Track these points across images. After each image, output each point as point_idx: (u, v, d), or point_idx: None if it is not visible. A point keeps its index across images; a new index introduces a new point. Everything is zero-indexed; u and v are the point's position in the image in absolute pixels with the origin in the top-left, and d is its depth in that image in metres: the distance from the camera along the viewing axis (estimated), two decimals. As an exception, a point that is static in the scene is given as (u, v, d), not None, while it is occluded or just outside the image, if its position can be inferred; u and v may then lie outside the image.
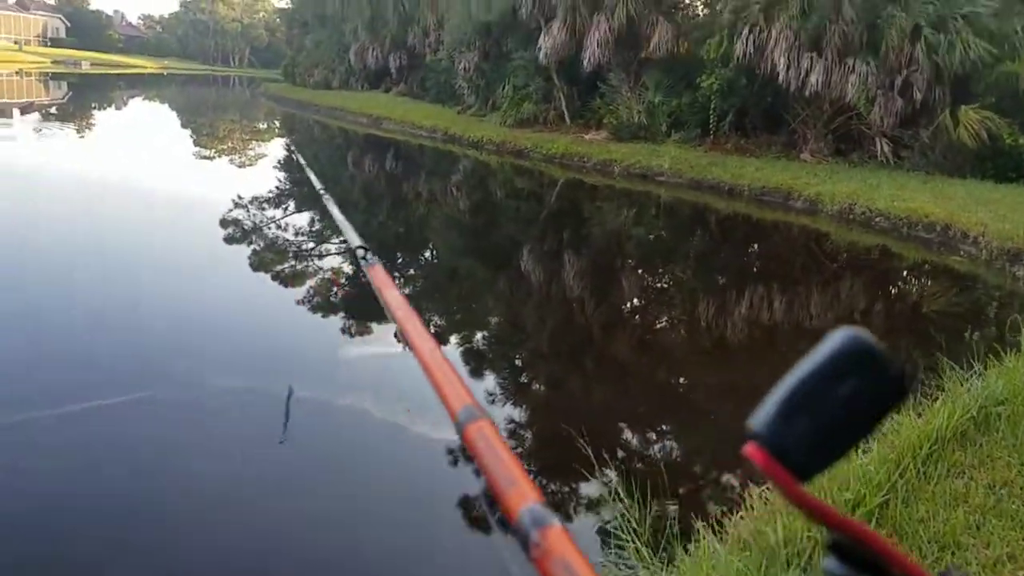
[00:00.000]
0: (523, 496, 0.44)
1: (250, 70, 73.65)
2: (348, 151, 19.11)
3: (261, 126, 25.28)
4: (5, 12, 65.67)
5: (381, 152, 18.44)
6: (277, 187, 12.11)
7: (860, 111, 12.74)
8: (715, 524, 2.61)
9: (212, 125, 23.37)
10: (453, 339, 5.67)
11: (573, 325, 6.38)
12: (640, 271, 8.64)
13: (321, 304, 6.13)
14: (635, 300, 7.50)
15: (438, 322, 6.14)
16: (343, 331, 5.67)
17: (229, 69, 75.47)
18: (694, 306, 6.99)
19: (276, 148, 18.83)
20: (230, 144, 18.29)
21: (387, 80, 29.73)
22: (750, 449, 0.36)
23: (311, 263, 7.52)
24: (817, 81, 12.61)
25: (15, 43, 62.76)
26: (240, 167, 14.61)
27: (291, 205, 10.68)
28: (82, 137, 17.04)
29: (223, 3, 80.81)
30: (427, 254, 9.25)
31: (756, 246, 10.38)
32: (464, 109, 21.27)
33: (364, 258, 1.13)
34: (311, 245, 8.38)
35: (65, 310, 5.29)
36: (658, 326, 6.63)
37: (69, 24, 74.44)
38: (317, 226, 9.57)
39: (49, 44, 68.21)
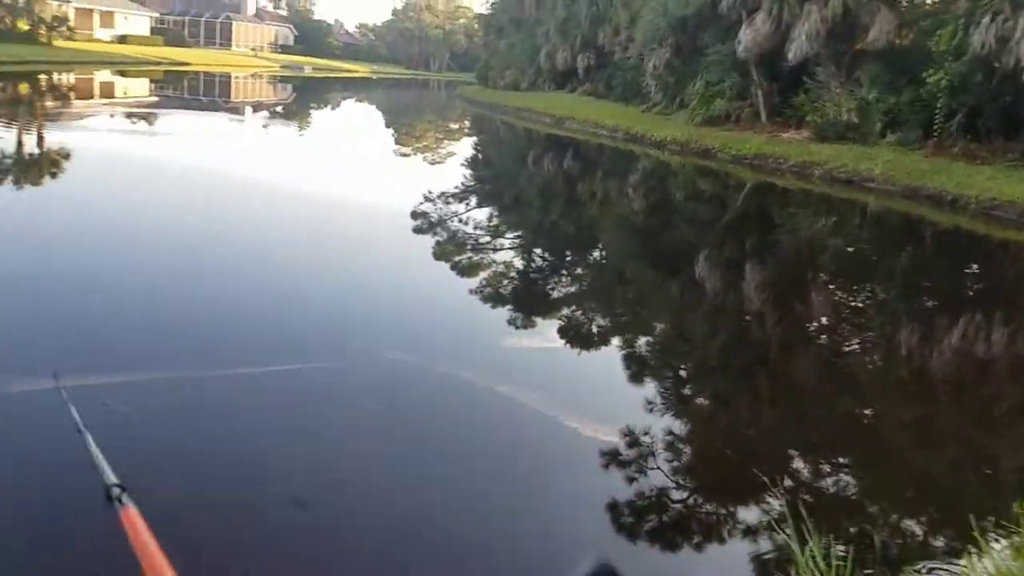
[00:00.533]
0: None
1: (448, 73, 77.68)
2: (529, 150, 19.56)
3: (453, 126, 26.60)
4: (245, 23, 74.44)
5: (560, 151, 18.67)
6: (463, 183, 12.69)
7: None
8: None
9: (411, 125, 24.98)
10: (615, 342, 5.63)
11: (749, 341, 5.92)
12: (834, 287, 7.85)
13: (491, 295, 6.37)
14: (825, 319, 6.68)
15: (600, 322, 6.14)
16: (509, 322, 5.83)
17: (429, 73, 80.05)
18: (895, 333, 6.16)
19: (465, 147, 19.76)
20: (424, 143, 19.44)
21: (573, 80, 30.04)
22: None
23: (486, 255, 7.83)
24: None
25: (252, 50, 71.08)
26: (431, 164, 15.49)
27: (472, 201, 11.17)
28: (300, 133, 18.96)
29: (429, 11, 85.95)
30: (595, 255, 9.25)
31: (979, 268, 9.08)
32: (649, 107, 20.98)
33: (119, 498, 1.03)
34: (487, 239, 8.71)
35: (273, 280, 5.94)
36: (849, 351, 5.86)
37: (297, 33, 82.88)
38: (494, 221, 9.97)
39: (279, 50, 76.33)
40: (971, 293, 8.01)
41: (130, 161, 11.13)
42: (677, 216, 11.57)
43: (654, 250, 9.15)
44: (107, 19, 57.57)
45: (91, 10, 55.89)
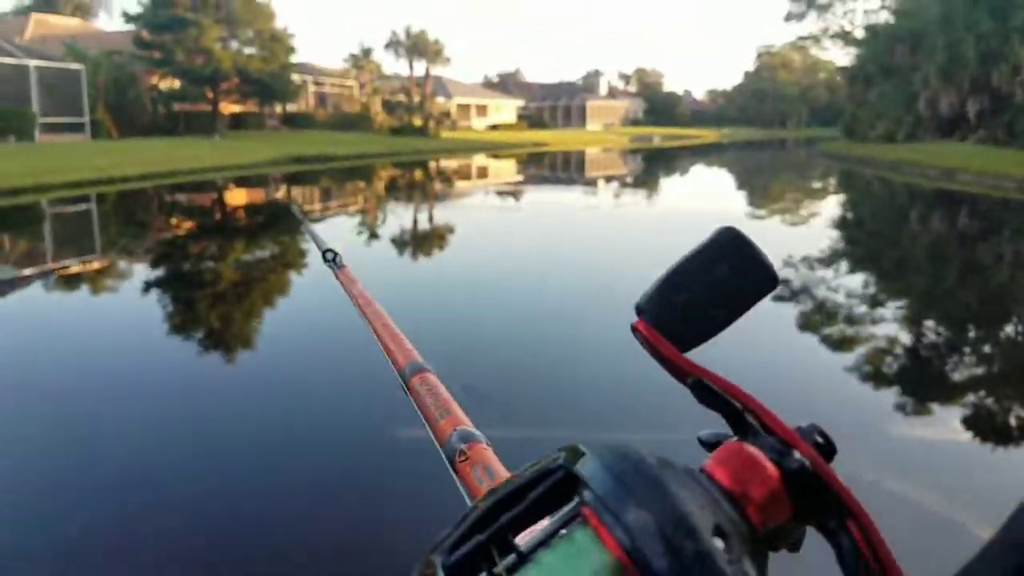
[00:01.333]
0: (455, 422, 0.52)
1: (807, 130, 73.80)
2: (911, 208, 17.14)
3: (816, 184, 24.73)
4: (598, 102, 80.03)
5: (952, 208, 15.98)
6: (831, 247, 11.44)
7: None
8: None
9: (765, 186, 23.85)
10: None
11: None
12: None
13: (871, 373, 5.36)
14: None
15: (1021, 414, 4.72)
16: (896, 407, 4.78)
17: (786, 131, 76.93)
18: None
19: (831, 207, 18.09)
20: (782, 204, 18.28)
21: (963, 127, 26.02)
22: (638, 324, 0.41)
23: (863, 328, 6.73)
24: None
25: (604, 126, 75.88)
26: (791, 225, 14.37)
27: (843, 266, 9.93)
28: (648, 201, 19.28)
29: (784, 69, 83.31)
30: (1009, 331, 7.39)
31: None
32: (1072, 154, 17.06)
33: (333, 261, 1.21)
34: (863, 309, 7.55)
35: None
36: None
37: (647, 105, 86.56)
38: (872, 289, 8.67)
39: (630, 124, 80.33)
40: None
41: (503, 234, 12.23)
42: None
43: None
44: (481, 111, 66.82)
45: (469, 104, 65.54)
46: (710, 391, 0.39)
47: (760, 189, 22.86)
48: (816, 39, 45.59)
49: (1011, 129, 22.93)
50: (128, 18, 34.71)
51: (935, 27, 28.61)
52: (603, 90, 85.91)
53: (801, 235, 12.99)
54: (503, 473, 0.43)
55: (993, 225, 13.98)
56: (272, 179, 23.59)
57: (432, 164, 30.25)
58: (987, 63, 25.32)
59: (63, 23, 46.31)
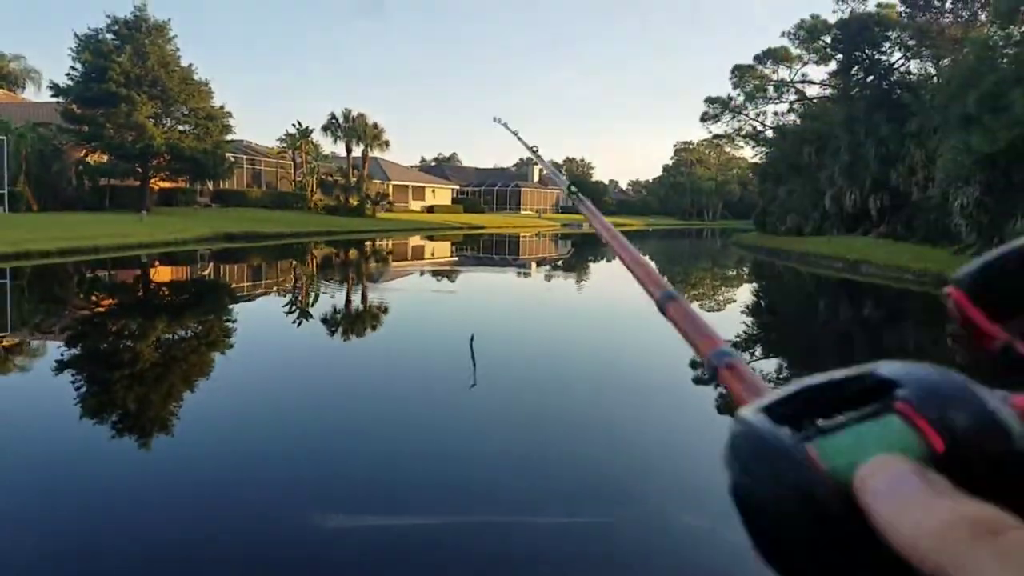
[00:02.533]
0: (712, 344, 0.55)
1: (722, 222, 77.65)
2: (820, 297, 18.24)
3: (730, 273, 26.00)
4: (531, 189, 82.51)
5: (858, 297, 17.10)
6: (746, 332, 12.05)
7: None
8: None
9: (684, 272, 24.94)
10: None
11: None
12: None
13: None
14: None
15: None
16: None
17: (703, 222, 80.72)
18: None
19: (744, 294, 19.04)
20: (700, 290, 19.14)
21: (865, 223, 28.08)
22: (951, 291, 0.43)
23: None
24: None
25: (536, 212, 78.02)
26: (708, 311, 15.05)
27: (758, 350, 10.47)
28: (579, 284, 19.88)
29: (700, 165, 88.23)
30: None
31: None
32: (961, 249, 18.62)
33: (576, 194, 1.29)
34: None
35: (567, 423, 5.92)
36: None
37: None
38: (786, 373, 9.16)
39: (560, 211, 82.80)
40: None
41: (439, 315, 12.37)
42: None
43: None
44: (418, 193, 67.87)
45: (406, 186, 66.47)
46: (1019, 357, 0.40)
47: (679, 274, 23.89)
48: (730, 138, 48.67)
49: (910, 224, 24.89)
50: (56, 91, 34.15)
51: (839, 130, 31.19)
52: (535, 177, 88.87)
53: (719, 320, 13.62)
54: (762, 385, 0.48)
55: (895, 315, 14.99)
56: (200, 256, 23.22)
57: (371, 244, 30.41)
58: (886, 164, 27.63)
59: (-13, 93, 45.22)
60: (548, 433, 5.97)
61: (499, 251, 33.41)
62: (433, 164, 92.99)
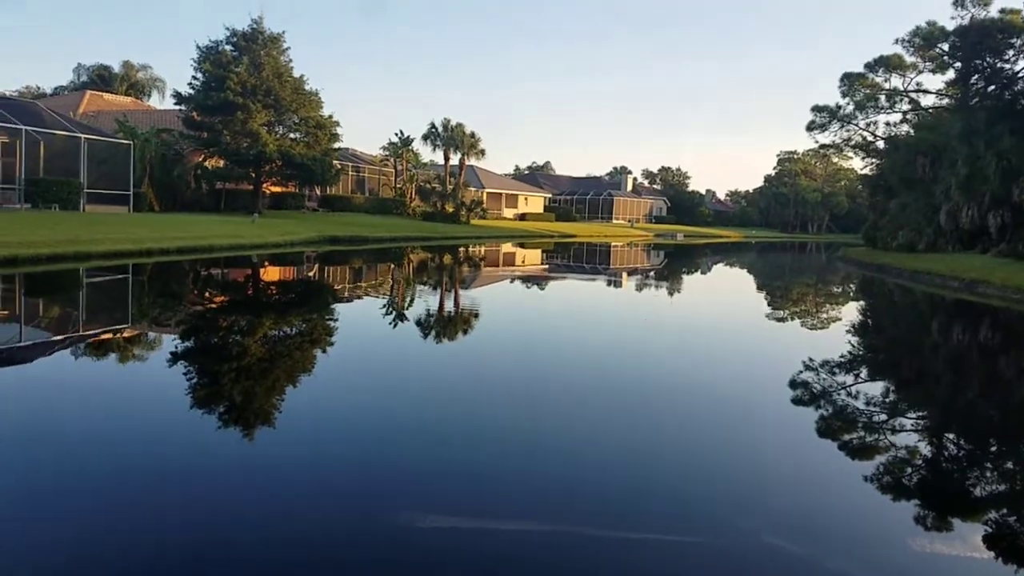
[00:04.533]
0: None
1: (828, 235, 74.45)
2: (932, 317, 17.20)
3: (836, 289, 24.89)
4: (624, 198, 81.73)
5: (974, 319, 16.04)
6: (850, 353, 11.52)
7: None
8: None
9: (786, 288, 24.07)
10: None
11: None
12: None
13: (890, 484, 5.40)
14: None
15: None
16: (916, 520, 4.81)
17: (807, 235, 77.60)
18: None
19: (851, 312, 18.20)
20: (802, 307, 18.42)
21: (984, 240, 26.28)
22: None
23: (882, 436, 6.77)
24: None
25: (628, 222, 77.20)
26: (811, 329, 14.48)
27: (863, 372, 9.99)
28: (671, 296, 19.53)
29: (805, 176, 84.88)
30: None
31: None
32: (1093, 272, 17.16)
33: None
34: (883, 417, 7.59)
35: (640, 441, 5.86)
36: None
37: (670, 204, 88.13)
38: (892, 397, 8.70)
39: (654, 220, 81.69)
40: None
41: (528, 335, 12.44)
42: None
43: None
44: (511, 201, 68.57)
45: (500, 194, 67.35)
46: None
47: (779, 290, 23.06)
48: (838, 148, 46.69)
49: (1035, 244, 23.11)
50: (179, 99, 36.67)
51: (956, 142, 29.35)
52: (628, 186, 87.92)
53: (821, 340, 13.07)
54: None
55: (1015, 339, 13.99)
56: (306, 258, 24.30)
57: (462, 250, 30.96)
58: (1008, 178, 25.78)
59: (117, 100, 48.99)
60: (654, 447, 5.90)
61: (590, 260, 33.26)
62: (527, 172, 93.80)
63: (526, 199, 70.97)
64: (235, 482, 4.67)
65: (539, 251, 36.52)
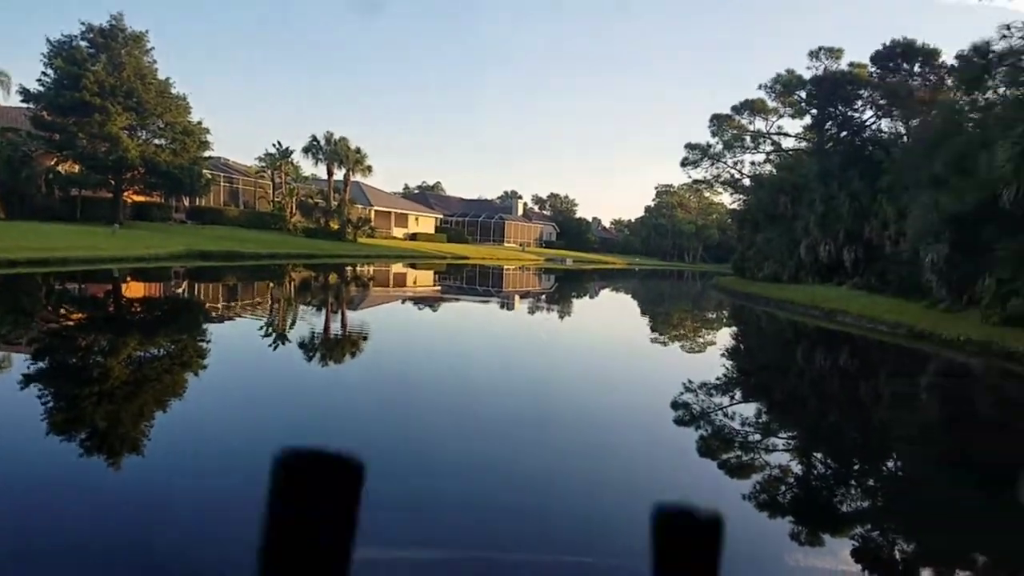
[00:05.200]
0: None
1: (702, 265, 78.47)
2: (797, 344, 18.34)
3: (710, 315, 26.13)
4: (515, 222, 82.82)
5: (834, 346, 17.23)
6: (725, 375, 12.02)
7: None
8: None
9: (666, 313, 25.03)
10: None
11: None
12: None
13: (766, 502, 5.58)
14: None
15: (904, 547, 4.98)
16: (792, 536, 4.98)
17: (684, 264, 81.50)
18: None
19: (724, 337, 19.10)
20: (681, 331, 19.17)
21: (840, 273, 28.47)
22: None
23: (757, 455, 7.03)
24: None
25: (520, 245, 78.20)
26: (689, 352, 15.05)
27: (737, 394, 10.42)
28: (562, 319, 19.80)
29: (681, 209, 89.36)
30: (890, 465, 7.90)
31: None
32: (932, 304, 18.90)
33: None
34: (757, 437, 7.91)
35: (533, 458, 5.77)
36: None
37: (559, 229, 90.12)
38: (764, 418, 9.10)
39: (544, 245, 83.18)
40: None
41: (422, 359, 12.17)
42: (1002, 431, 9.68)
43: (977, 467, 7.58)
44: (401, 220, 67.74)
45: (389, 212, 66.32)
46: None
47: (661, 315, 23.96)
48: (709, 184, 49.42)
49: (883, 277, 25.26)
50: (27, 96, 32.91)
51: (814, 182, 31.80)
52: (519, 211, 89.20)
53: (699, 362, 13.60)
54: None
55: (869, 365, 15.10)
56: (174, 274, 22.82)
57: (349, 269, 30.14)
58: (859, 217, 28.16)
59: (-44, 97, 44.46)
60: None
61: (483, 282, 33.31)
62: (417, 192, 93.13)
63: (417, 219, 70.36)
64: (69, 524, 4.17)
65: (431, 272, 36.20)
